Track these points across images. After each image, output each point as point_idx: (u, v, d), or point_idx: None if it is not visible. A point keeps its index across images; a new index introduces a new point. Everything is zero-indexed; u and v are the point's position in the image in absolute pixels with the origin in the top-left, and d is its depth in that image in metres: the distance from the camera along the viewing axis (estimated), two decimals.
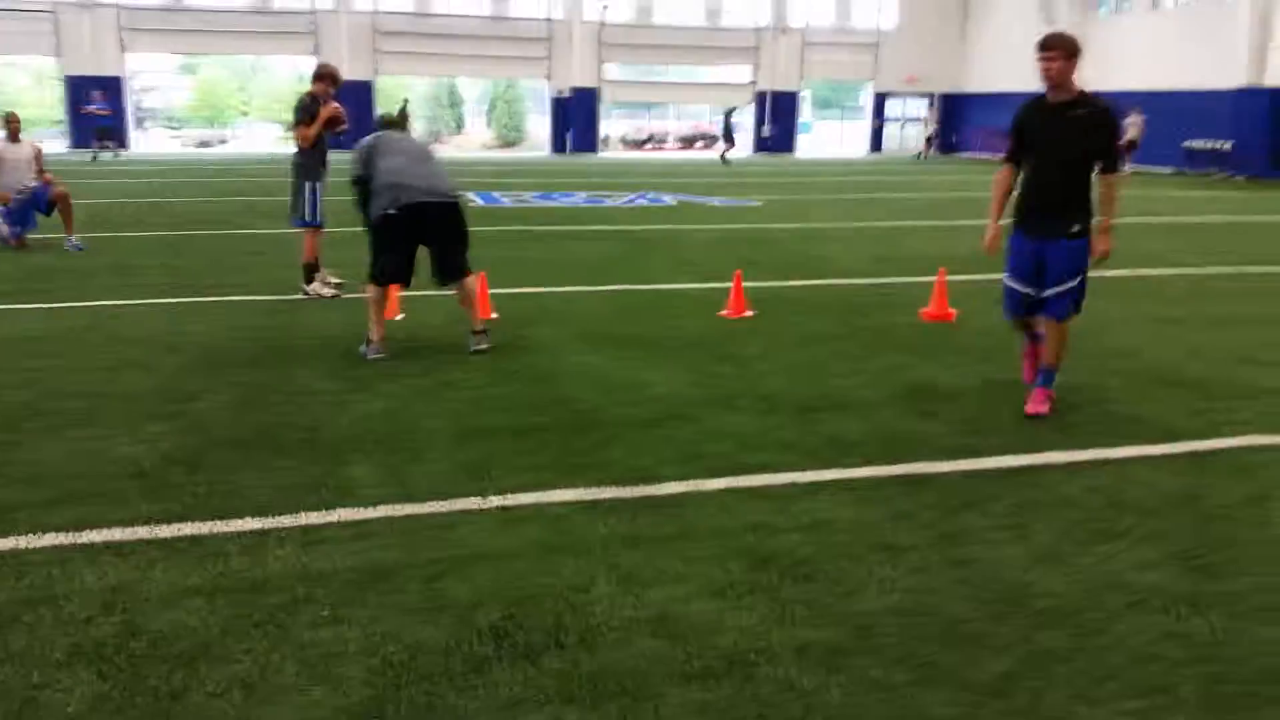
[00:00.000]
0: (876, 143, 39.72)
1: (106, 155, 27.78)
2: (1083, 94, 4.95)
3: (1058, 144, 4.99)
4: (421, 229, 6.16)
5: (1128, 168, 27.18)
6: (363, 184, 6.27)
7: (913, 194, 20.09)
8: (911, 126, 40.50)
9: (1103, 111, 4.97)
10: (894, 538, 3.67)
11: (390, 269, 6.21)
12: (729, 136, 32.20)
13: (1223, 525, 3.84)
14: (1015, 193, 5.26)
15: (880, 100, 39.29)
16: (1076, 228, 5.00)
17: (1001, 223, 5.35)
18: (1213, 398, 5.59)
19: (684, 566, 3.42)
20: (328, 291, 8.08)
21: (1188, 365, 6.32)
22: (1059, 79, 4.92)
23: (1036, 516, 3.89)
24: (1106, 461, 4.54)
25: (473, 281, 6.40)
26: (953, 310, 7.62)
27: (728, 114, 32.71)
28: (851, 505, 3.97)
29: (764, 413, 5.18)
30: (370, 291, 6.26)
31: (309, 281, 8.13)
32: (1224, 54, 26.28)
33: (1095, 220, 5.05)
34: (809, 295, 8.63)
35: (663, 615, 3.07)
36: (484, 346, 6.33)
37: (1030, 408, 5.20)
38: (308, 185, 7.94)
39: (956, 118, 39.06)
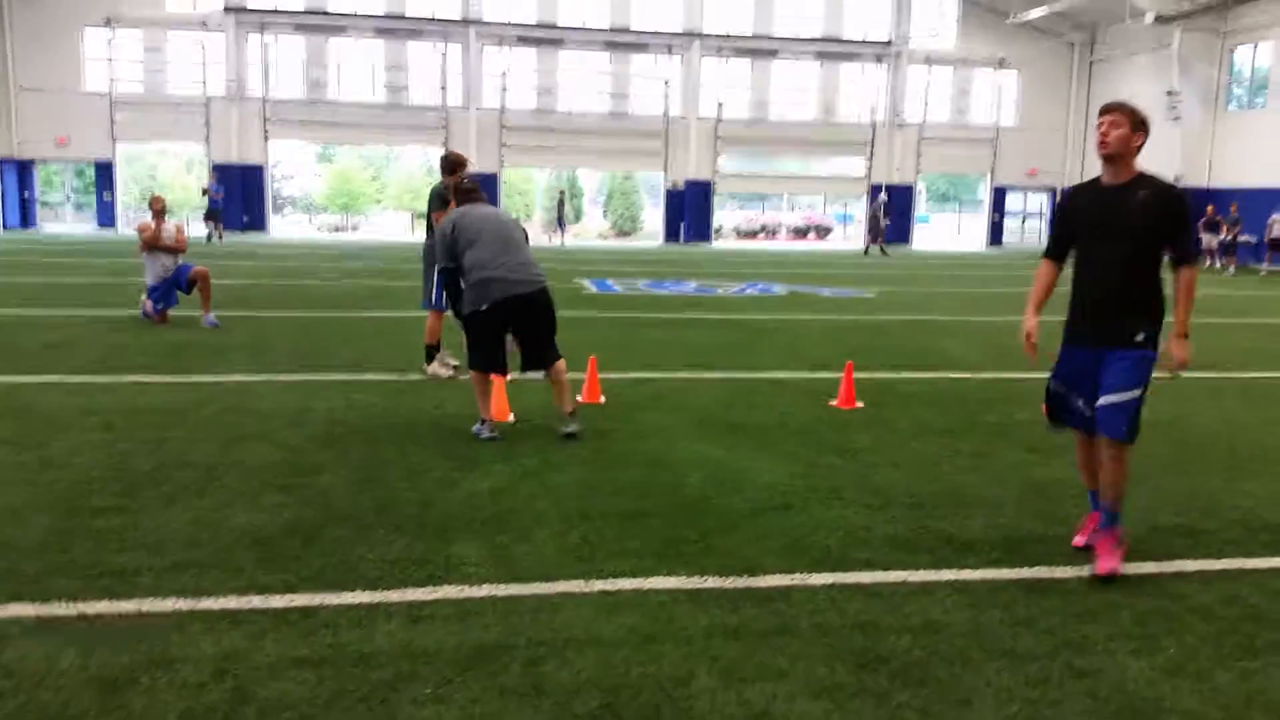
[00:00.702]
0: (996, 236, 39.14)
1: (213, 238, 28.40)
2: (1143, 174, 4.21)
3: (1117, 232, 4.19)
4: (510, 319, 6.27)
5: (1266, 266, 26.10)
6: (451, 274, 6.40)
7: (1030, 288, 19.56)
8: (1032, 220, 39.85)
9: (1168, 190, 4.19)
10: (1013, 644, 3.50)
11: (485, 360, 6.32)
12: (875, 228, 32.43)
13: None
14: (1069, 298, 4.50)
15: (1000, 193, 38.83)
16: (1141, 335, 4.18)
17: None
18: None
19: (787, 663, 3.32)
20: (445, 372, 8.30)
21: None
22: (1118, 148, 4.14)
23: (1167, 628, 3.66)
24: (1244, 572, 4.26)
25: (563, 366, 6.39)
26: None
27: (875, 206, 33.15)
28: (967, 608, 3.81)
29: (874, 507, 5.05)
30: (473, 376, 6.39)
31: (430, 362, 8.36)
32: None
33: (1168, 321, 4.28)
34: (922, 388, 8.46)
35: (765, 714, 2.98)
36: (574, 429, 6.29)
37: (1100, 566, 4.14)
38: (434, 270, 8.20)
39: None
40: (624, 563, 4.18)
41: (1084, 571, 4.21)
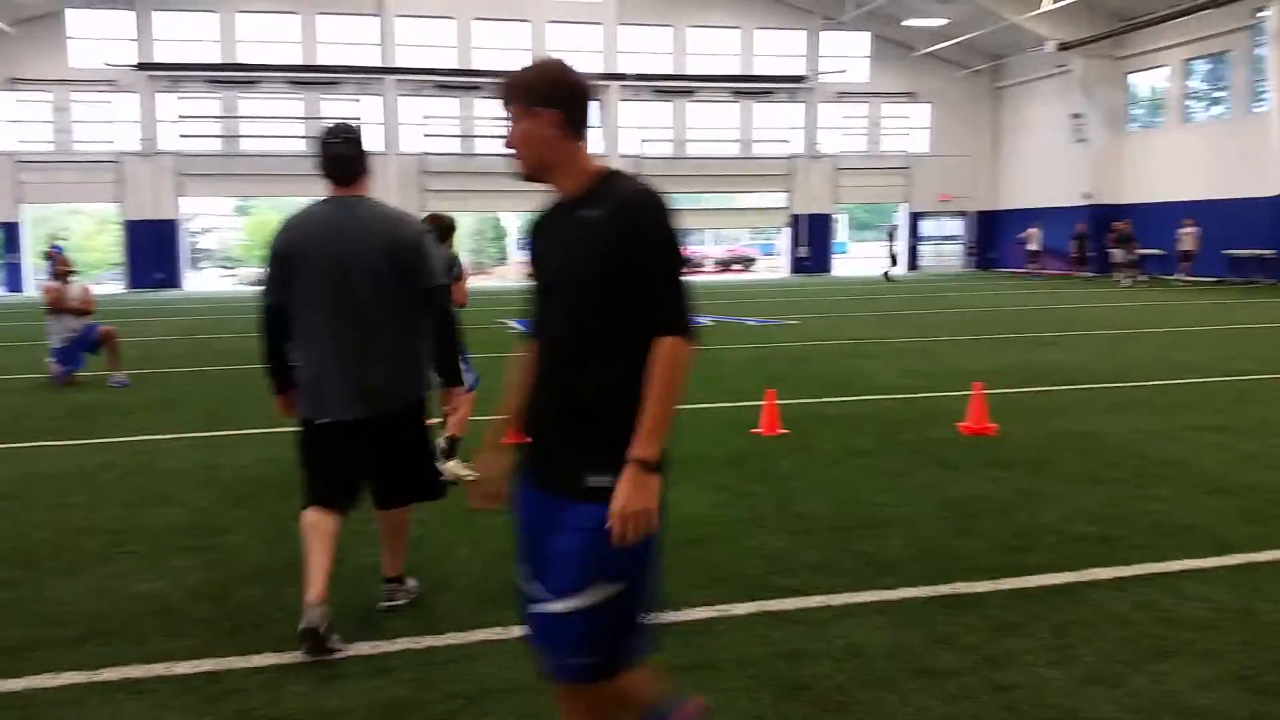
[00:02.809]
0: (913, 261, 39.97)
1: None
2: (608, 176, 2.40)
3: (557, 282, 2.40)
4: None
5: (1180, 277, 27.03)
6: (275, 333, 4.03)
7: (946, 309, 20.04)
8: (948, 245, 40.87)
9: (634, 199, 2.32)
10: (933, 663, 3.50)
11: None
12: (893, 255, 34.01)
13: None
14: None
15: (915, 220, 39.71)
16: (600, 478, 2.27)
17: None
18: (1265, 507, 5.37)
19: (710, 698, 3.26)
20: (466, 475, 7.10)
21: (1237, 474, 6.10)
22: (528, 157, 2.42)
23: (1084, 636, 3.70)
24: (1156, 576, 4.34)
25: (406, 515, 4.17)
26: (992, 424, 7.48)
27: (890, 234, 34.28)
28: (888, 629, 3.81)
29: (796, 533, 5.05)
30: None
31: (450, 458, 7.12)
32: (1259, 163, 26.34)
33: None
34: (843, 411, 8.54)
35: None
36: (398, 603, 4.14)
37: None
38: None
39: (994, 234, 39.33)
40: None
41: (1002, 585, 4.25)
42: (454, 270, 6.46)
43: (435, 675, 3.47)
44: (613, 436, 2.27)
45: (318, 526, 3.84)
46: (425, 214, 6.64)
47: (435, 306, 3.97)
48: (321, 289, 3.80)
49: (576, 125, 2.41)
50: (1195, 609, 3.94)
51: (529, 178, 2.44)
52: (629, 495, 2.22)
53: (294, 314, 3.87)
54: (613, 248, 2.28)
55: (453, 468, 6.31)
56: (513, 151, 2.41)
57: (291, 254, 3.83)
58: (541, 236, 2.51)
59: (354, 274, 3.77)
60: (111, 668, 3.59)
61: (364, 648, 3.72)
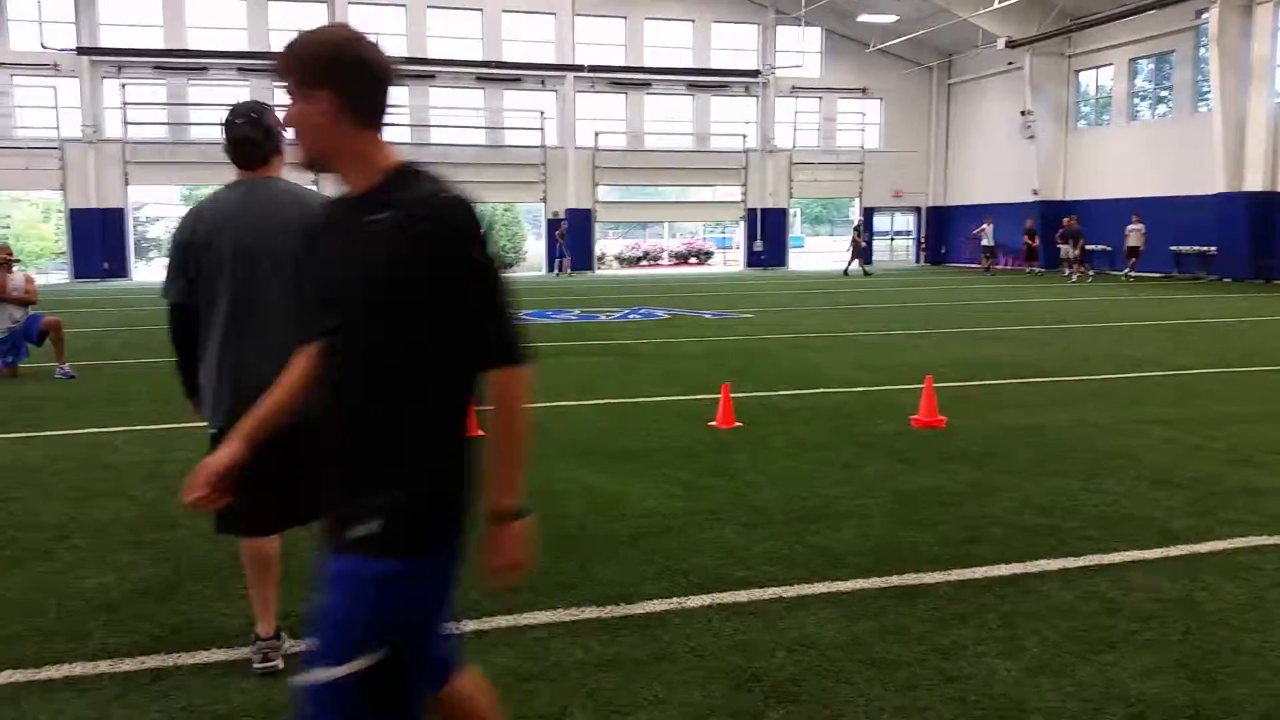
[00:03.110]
0: (867, 255, 40.32)
1: None
2: (403, 172, 2.06)
3: (342, 296, 2.04)
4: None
5: (1128, 272, 27.55)
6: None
7: (899, 304, 20.26)
8: (900, 240, 41.31)
9: (435, 205, 1.98)
10: (884, 653, 3.54)
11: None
12: (859, 249, 33.82)
13: (1220, 630, 3.71)
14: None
15: (869, 214, 40.07)
16: (368, 526, 1.97)
17: None
18: (1209, 499, 5.50)
19: (664, 690, 3.28)
20: None
21: (1182, 467, 6.23)
22: (307, 145, 2.05)
23: (1031, 627, 3.76)
24: (1103, 567, 4.43)
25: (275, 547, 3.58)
26: (943, 417, 7.57)
27: (856, 229, 34.39)
28: (840, 620, 3.85)
29: (751, 525, 5.08)
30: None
31: None
32: (1202, 162, 26.93)
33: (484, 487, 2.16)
34: (797, 404, 8.59)
35: None
36: (271, 666, 3.47)
37: None
38: None
39: (944, 229, 39.83)
40: (498, 600, 4.08)
41: (952, 576, 4.30)
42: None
43: None
44: (386, 479, 1.97)
45: (255, 558, 3.49)
46: None
47: None
48: (227, 283, 3.38)
49: (360, 111, 2.01)
50: (1140, 599, 4.02)
51: (309, 167, 2.07)
52: (510, 542, 2.04)
53: (201, 311, 3.47)
54: (405, 264, 1.92)
55: None
56: (290, 134, 2.04)
57: (195, 244, 3.44)
58: (325, 240, 2.10)
59: (263, 264, 3.36)
60: (54, 665, 3.51)
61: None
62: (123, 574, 4.45)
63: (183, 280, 3.48)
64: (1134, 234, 27.47)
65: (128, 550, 4.78)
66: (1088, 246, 28.89)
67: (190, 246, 3.46)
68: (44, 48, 31.08)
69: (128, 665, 3.52)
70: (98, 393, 9.66)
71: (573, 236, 36.11)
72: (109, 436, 7.56)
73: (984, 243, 31.87)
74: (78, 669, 3.49)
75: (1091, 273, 28.33)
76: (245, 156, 3.50)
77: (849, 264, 33.77)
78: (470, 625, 3.82)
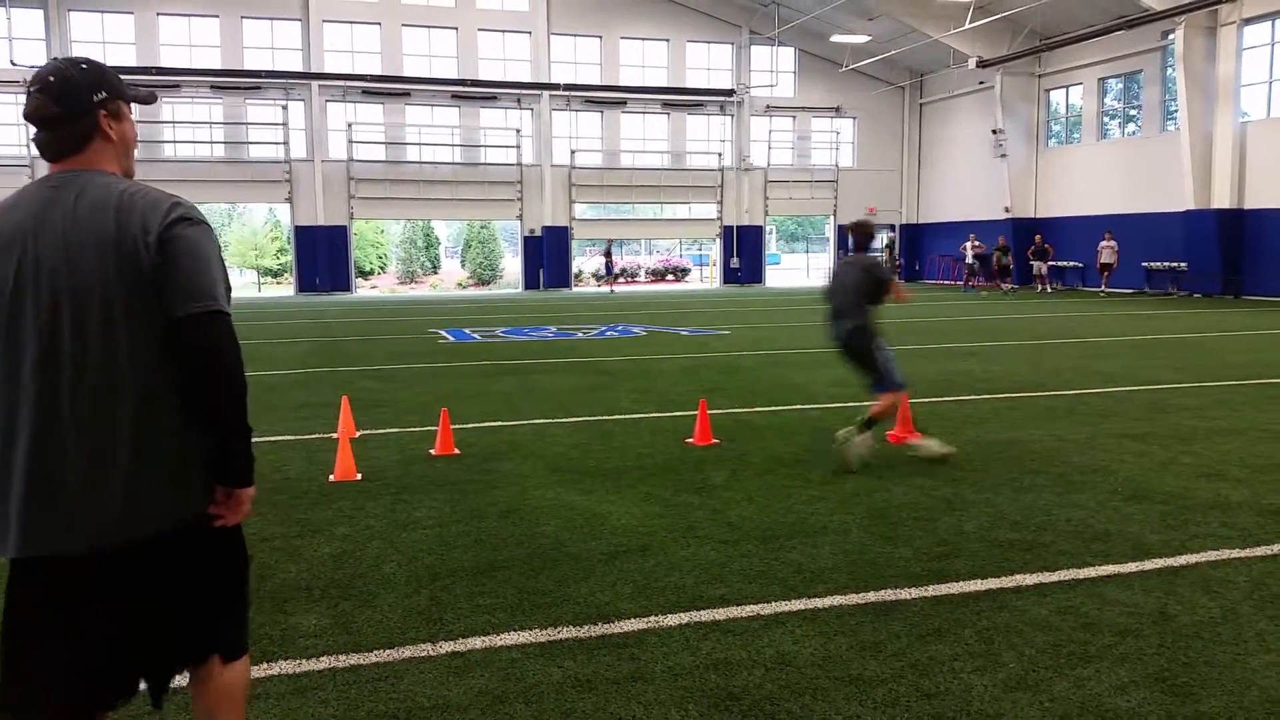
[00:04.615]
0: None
1: None
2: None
3: None
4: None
5: (1104, 290, 27.93)
6: None
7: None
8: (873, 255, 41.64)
9: None
10: (861, 670, 3.53)
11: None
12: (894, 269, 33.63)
13: (1195, 643, 3.72)
14: None
15: (843, 232, 40.34)
16: None
17: None
18: (1182, 513, 5.53)
19: (641, 710, 3.25)
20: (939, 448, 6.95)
21: (1155, 481, 6.27)
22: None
23: (1008, 642, 3.76)
24: (1078, 581, 4.44)
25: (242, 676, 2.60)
26: (918, 433, 7.59)
27: (889, 247, 34.44)
28: (817, 637, 3.83)
29: (728, 542, 5.06)
30: None
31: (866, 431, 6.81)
32: (1171, 179, 27.31)
33: None
34: (774, 421, 8.60)
35: None
36: None
37: None
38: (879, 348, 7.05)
39: (918, 247, 40.15)
40: (475, 620, 4.05)
41: (928, 592, 4.30)
42: (885, 273, 7.28)
43: (360, 694, 3.39)
44: None
45: None
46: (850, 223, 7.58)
47: (197, 345, 2.22)
48: (7, 324, 2.21)
49: None
50: (1115, 614, 4.03)
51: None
52: None
53: None
54: None
55: (932, 446, 6.92)
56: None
57: None
58: None
59: (65, 297, 2.19)
60: None
61: (285, 666, 3.61)
62: None
63: None
64: (1106, 250, 27.82)
65: None
66: (1058, 264, 29.30)
67: None
68: (13, 64, 30.80)
69: None
70: None
71: (549, 254, 36.16)
72: None
73: (967, 260, 32.11)
74: None
75: (1056, 286, 28.90)
76: (47, 140, 2.32)
77: None
78: (446, 646, 3.78)
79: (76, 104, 2.28)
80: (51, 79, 2.27)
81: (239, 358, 2.29)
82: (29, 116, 2.28)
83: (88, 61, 2.34)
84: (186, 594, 2.38)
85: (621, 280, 37.11)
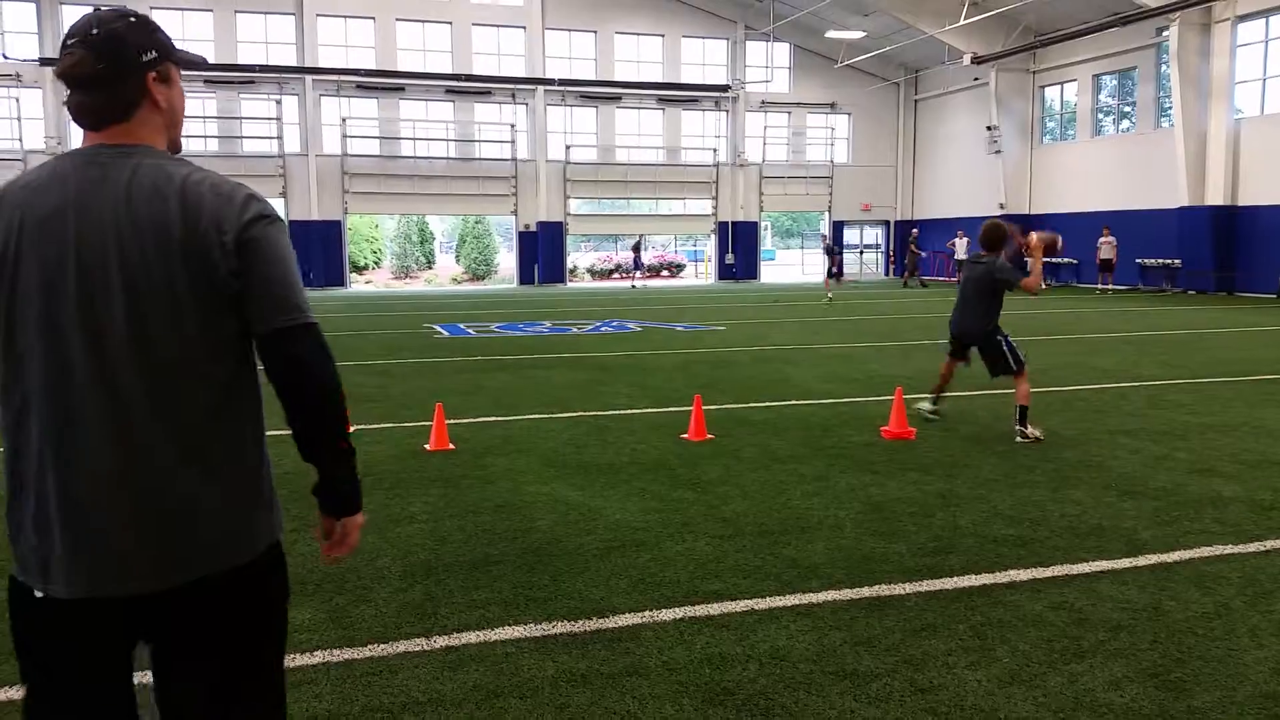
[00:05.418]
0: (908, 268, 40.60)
1: None
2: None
3: None
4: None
5: (1104, 286, 27.98)
6: None
7: (868, 316, 20.39)
8: (869, 252, 41.63)
9: None
10: (855, 665, 3.53)
11: None
12: (913, 263, 33.49)
13: (1188, 639, 3.74)
14: None
15: (838, 228, 40.35)
16: None
17: None
18: (1175, 508, 5.55)
19: (636, 705, 3.25)
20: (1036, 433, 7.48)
21: (1149, 476, 6.29)
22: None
23: (1002, 637, 3.77)
24: (1072, 577, 4.45)
25: None
26: (912, 428, 7.60)
27: (912, 240, 34.25)
28: (812, 632, 3.84)
29: (723, 538, 5.06)
30: None
31: (1025, 423, 7.48)
32: (1165, 176, 27.36)
33: None
34: (769, 416, 8.60)
35: None
36: None
37: None
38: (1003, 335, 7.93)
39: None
40: (469, 615, 4.04)
41: (922, 586, 4.31)
42: (1012, 272, 7.81)
43: (354, 689, 3.39)
44: None
45: None
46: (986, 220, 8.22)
47: (291, 361, 1.98)
48: (40, 322, 1.84)
49: None
50: (1109, 609, 4.04)
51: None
52: None
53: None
54: None
55: (924, 406, 8.34)
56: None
57: None
58: None
59: (116, 295, 1.84)
60: (8, 687, 3.42)
61: None
62: None
63: None
64: (1106, 247, 27.82)
65: None
66: (1052, 260, 29.35)
67: None
68: (5, 58, 30.66)
69: None
70: None
71: (544, 250, 36.14)
72: None
73: (957, 256, 32.15)
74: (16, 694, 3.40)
75: (1045, 284, 29.06)
76: (84, 106, 1.93)
77: (906, 276, 33.83)
78: (440, 641, 3.78)
79: (123, 62, 1.90)
80: (95, 31, 1.89)
81: (335, 372, 2.01)
82: (63, 75, 1.90)
83: (136, 15, 1.95)
84: (203, 665, 1.94)
85: (646, 274, 37.89)
